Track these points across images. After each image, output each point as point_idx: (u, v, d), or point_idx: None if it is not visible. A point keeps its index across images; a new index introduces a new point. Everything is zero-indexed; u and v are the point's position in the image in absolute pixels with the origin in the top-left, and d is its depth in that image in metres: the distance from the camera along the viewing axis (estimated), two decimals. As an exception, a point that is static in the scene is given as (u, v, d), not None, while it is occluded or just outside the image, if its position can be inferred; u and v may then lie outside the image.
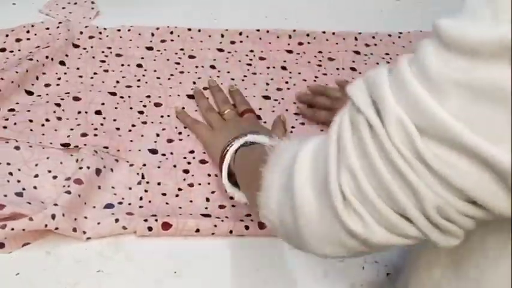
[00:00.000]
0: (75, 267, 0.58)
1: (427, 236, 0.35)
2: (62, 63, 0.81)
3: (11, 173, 0.64)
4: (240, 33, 0.89)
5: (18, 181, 0.64)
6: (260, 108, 0.78)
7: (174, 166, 0.69)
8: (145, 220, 0.61)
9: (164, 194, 0.66)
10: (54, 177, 0.65)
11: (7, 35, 0.83)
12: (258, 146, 0.55)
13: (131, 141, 0.71)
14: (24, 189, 0.63)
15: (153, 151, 0.70)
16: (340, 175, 0.36)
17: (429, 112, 0.32)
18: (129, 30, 0.87)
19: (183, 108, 0.77)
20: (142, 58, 0.83)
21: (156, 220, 0.61)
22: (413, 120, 0.33)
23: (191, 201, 0.65)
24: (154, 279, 0.58)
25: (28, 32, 0.84)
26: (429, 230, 0.35)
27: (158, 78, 0.81)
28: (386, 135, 0.34)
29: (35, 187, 0.64)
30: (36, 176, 0.65)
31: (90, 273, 0.58)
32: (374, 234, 0.36)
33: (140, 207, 0.63)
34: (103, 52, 0.83)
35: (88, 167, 0.64)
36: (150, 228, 0.61)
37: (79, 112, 0.73)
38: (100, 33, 0.86)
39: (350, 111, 0.37)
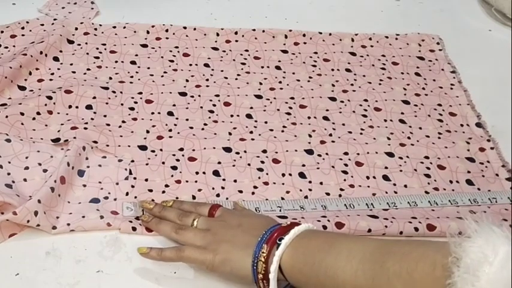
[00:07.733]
0: (75, 267, 0.58)
1: None
2: (56, 58, 0.81)
3: (1, 166, 0.65)
4: (236, 33, 0.89)
5: (9, 173, 0.65)
6: (251, 107, 0.78)
7: (163, 163, 0.69)
8: (130, 221, 0.62)
9: (151, 190, 0.66)
10: (44, 170, 0.66)
11: (2, 32, 0.84)
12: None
13: (121, 136, 0.71)
14: (13, 181, 0.64)
15: (143, 147, 0.71)
16: None
17: None
18: (124, 27, 0.88)
19: (174, 105, 0.77)
20: (136, 55, 0.84)
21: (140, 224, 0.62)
22: None
23: (177, 197, 0.65)
24: (154, 279, 0.58)
25: (23, 28, 0.85)
26: None
27: (151, 75, 0.81)
28: None
29: (25, 179, 0.64)
30: (27, 168, 0.66)
31: (90, 273, 0.58)
32: None
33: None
34: (97, 49, 0.84)
35: (73, 167, 0.65)
36: (134, 229, 0.61)
37: (70, 106, 0.74)
38: (95, 29, 0.87)
39: None
